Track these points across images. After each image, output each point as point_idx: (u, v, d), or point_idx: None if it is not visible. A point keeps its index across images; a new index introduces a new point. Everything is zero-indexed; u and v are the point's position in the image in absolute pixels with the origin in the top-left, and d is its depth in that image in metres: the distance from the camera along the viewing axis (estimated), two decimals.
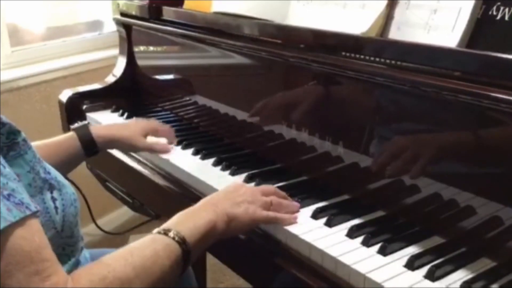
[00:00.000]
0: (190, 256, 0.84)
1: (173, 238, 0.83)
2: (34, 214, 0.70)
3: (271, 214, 0.97)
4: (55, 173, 0.85)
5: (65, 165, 1.16)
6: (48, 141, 1.16)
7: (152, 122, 1.36)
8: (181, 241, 0.83)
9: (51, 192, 0.82)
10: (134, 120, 1.38)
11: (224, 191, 0.99)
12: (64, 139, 1.19)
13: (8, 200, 0.67)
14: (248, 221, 0.94)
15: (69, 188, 0.86)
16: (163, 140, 1.32)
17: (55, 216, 0.81)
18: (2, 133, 0.75)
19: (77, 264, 0.90)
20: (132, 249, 0.79)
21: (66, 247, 0.86)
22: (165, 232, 0.83)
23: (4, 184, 0.68)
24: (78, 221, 0.88)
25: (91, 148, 1.21)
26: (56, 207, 0.81)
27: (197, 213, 0.90)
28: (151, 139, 1.30)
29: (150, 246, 0.80)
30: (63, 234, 0.83)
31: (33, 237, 0.68)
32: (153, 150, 1.29)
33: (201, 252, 0.89)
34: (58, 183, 0.84)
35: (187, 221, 0.87)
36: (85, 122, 1.24)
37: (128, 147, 1.27)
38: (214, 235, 0.90)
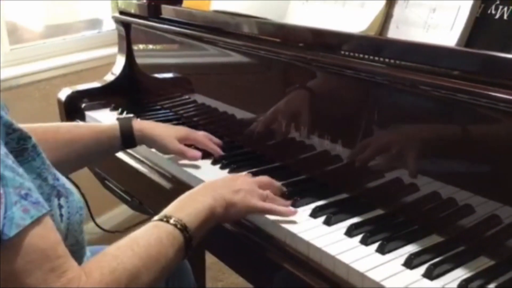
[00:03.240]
0: (192, 243, 0.86)
1: (175, 226, 0.84)
2: (49, 212, 0.71)
3: (267, 205, 0.99)
4: (63, 180, 0.85)
5: (101, 153, 1.23)
6: (92, 124, 1.20)
7: (195, 133, 1.30)
8: (183, 228, 0.85)
9: (58, 199, 0.81)
10: (179, 127, 1.34)
11: (222, 179, 1.02)
12: (107, 127, 1.22)
13: (25, 199, 0.68)
14: (244, 209, 0.97)
15: (76, 196, 0.86)
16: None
17: (60, 224, 0.81)
18: (12, 139, 0.76)
19: None
20: (137, 239, 0.81)
21: (71, 254, 0.85)
22: (167, 220, 0.85)
23: (21, 183, 0.69)
24: (83, 228, 0.88)
25: (129, 141, 1.22)
26: (61, 215, 0.81)
27: (196, 198, 0.92)
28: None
29: (154, 235, 0.82)
30: (66, 242, 0.82)
31: (49, 235, 0.70)
32: (183, 155, 1.24)
33: (201, 237, 0.91)
34: (66, 190, 0.84)
35: (187, 207, 0.89)
36: (130, 115, 1.26)
37: (160, 147, 1.26)
38: (213, 220, 0.92)
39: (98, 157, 1.29)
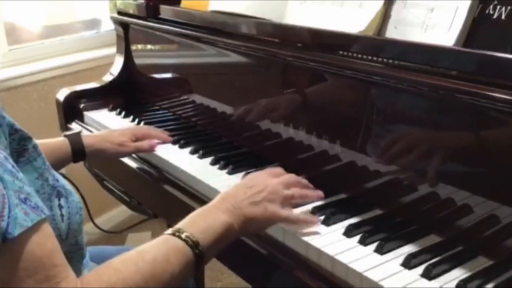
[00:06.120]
0: (203, 260, 0.82)
1: (186, 242, 0.81)
2: (46, 219, 0.70)
3: (291, 216, 0.93)
4: (63, 181, 0.85)
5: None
6: (40, 142, 1.16)
7: (141, 127, 1.39)
8: (194, 245, 0.81)
9: (59, 200, 0.81)
10: (121, 128, 1.40)
11: (243, 186, 0.95)
12: (57, 143, 1.23)
13: (25, 203, 0.67)
14: (265, 222, 0.92)
15: (75, 196, 0.86)
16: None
17: (61, 224, 0.80)
18: (13, 139, 0.76)
19: (79, 270, 0.90)
20: (144, 254, 0.78)
21: (69, 254, 0.85)
22: (179, 235, 0.82)
23: (20, 187, 0.68)
24: (83, 229, 0.88)
25: (80, 156, 1.25)
26: (62, 215, 0.81)
27: (213, 214, 0.88)
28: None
29: (162, 251, 0.79)
30: (67, 242, 0.82)
31: (46, 242, 0.69)
32: (140, 150, 1.33)
33: (216, 253, 0.87)
34: (66, 190, 0.83)
35: (202, 223, 0.85)
36: (77, 130, 1.30)
37: (115, 156, 1.31)
38: (230, 237, 0.88)
39: None
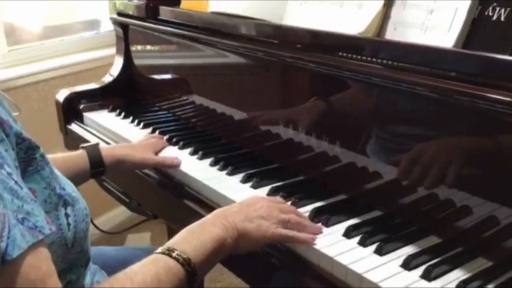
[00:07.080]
0: (196, 277, 0.81)
1: (177, 260, 0.79)
2: (44, 240, 0.68)
3: (285, 232, 0.91)
4: (69, 188, 0.83)
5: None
6: (57, 155, 1.13)
7: (158, 140, 1.36)
8: (186, 263, 0.79)
9: (65, 208, 0.80)
10: (139, 140, 1.37)
11: (240, 204, 0.95)
12: (74, 156, 1.18)
13: (22, 224, 0.66)
14: (259, 238, 0.89)
15: (82, 203, 0.84)
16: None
17: (67, 233, 0.79)
18: (21, 148, 0.74)
19: (82, 275, 0.90)
20: (133, 275, 0.76)
21: (74, 261, 0.85)
22: (169, 253, 0.80)
23: (19, 207, 0.66)
24: (88, 236, 0.86)
25: (98, 168, 1.19)
26: (68, 224, 0.79)
27: (205, 228, 0.86)
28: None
29: (152, 271, 0.77)
30: (73, 250, 0.82)
31: (40, 265, 0.67)
32: (163, 165, 1.27)
33: (209, 269, 0.86)
34: (72, 198, 0.82)
35: (193, 239, 0.84)
36: (95, 142, 1.23)
37: (139, 166, 1.26)
38: (223, 252, 0.86)
39: None
